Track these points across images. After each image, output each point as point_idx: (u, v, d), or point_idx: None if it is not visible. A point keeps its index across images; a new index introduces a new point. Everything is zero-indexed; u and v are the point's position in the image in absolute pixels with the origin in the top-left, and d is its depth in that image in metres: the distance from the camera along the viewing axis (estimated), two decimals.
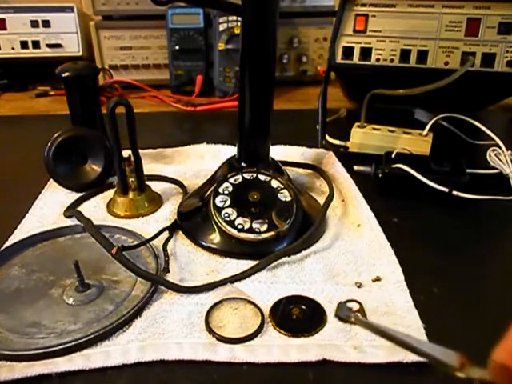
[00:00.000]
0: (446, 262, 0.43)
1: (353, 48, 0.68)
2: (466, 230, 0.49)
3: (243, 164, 0.49)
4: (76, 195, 0.54)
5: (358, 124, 0.67)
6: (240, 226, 0.44)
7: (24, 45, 0.99)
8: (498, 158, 0.58)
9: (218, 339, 0.34)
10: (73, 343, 0.33)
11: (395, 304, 0.37)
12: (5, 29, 0.97)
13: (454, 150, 0.68)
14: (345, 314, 0.30)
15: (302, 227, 0.45)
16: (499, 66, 0.63)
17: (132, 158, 0.50)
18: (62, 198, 0.54)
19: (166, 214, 0.51)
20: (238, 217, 0.45)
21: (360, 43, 0.67)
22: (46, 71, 0.77)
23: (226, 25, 0.89)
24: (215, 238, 0.44)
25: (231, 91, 0.92)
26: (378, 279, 0.40)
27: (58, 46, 0.99)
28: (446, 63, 0.64)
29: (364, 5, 0.66)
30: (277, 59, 0.45)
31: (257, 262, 0.42)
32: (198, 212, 0.48)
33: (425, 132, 0.64)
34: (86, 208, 0.52)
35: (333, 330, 0.35)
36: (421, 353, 0.23)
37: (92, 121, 0.57)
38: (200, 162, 0.64)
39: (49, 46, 0.99)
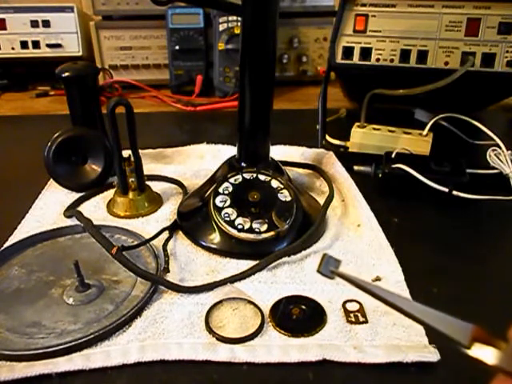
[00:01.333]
0: (446, 262, 0.43)
1: (353, 48, 0.67)
2: (466, 230, 0.49)
3: (243, 164, 0.49)
4: (76, 195, 0.54)
5: (358, 124, 0.67)
6: (240, 226, 0.44)
7: (24, 45, 0.99)
8: (498, 158, 0.58)
9: (218, 339, 0.34)
10: (73, 343, 0.33)
11: None
12: (5, 29, 0.97)
13: (454, 150, 0.68)
14: (327, 269, 0.25)
15: (302, 227, 0.45)
16: (499, 66, 0.63)
17: (132, 158, 0.50)
18: (62, 197, 0.54)
19: (166, 213, 0.51)
20: (237, 217, 0.45)
21: (360, 43, 0.67)
22: (46, 71, 0.78)
23: (225, 25, 0.89)
24: (215, 238, 0.44)
25: (231, 91, 0.92)
26: (377, 279, 0.40)
27: (58, 46, 0.99)
28: (446, 63, 0.64)
29: (364, 5, 0.66)
30: (277, 59, 0.45)
31: (257, 262, 0.42)
32: (198, 212, 0.48)
33: (425, 132, 0.64)
34: (86, 208, 0.52)
35: (333, 330, 0.35)
36: (418, 320, 0.21)
37: (92, 121, 0.57)
38: (200, 162, 0.64)
39: (49, 46, 0.99)
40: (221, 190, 0.47)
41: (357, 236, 0.47)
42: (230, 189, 0.47)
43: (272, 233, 0.44)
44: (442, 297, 0.39)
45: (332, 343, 0.33)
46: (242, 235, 0.44)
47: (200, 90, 0.93)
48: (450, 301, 0.38)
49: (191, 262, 0.43)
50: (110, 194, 0.54)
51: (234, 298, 0.38)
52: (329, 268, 0.25)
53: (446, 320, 0.20)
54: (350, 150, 0.66)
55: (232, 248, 0.44)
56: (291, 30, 0.97)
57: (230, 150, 0.60)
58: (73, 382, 0.31)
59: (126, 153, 0.49)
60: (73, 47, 0.99)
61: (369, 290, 0.23)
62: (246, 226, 0.44)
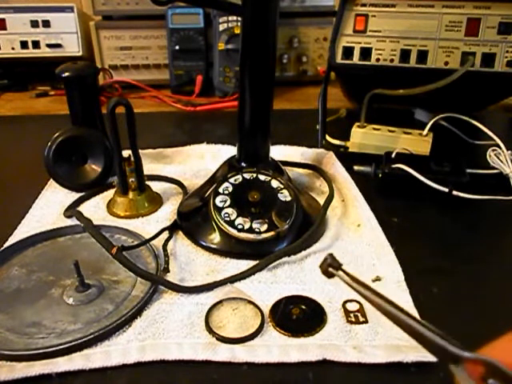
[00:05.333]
0: (446, 261, 0.43)
1: (353, 48, 0.67)
2: (466, 230, 0.49)
3: (243, 164, 0.49)
4: (76, 195, 0.54)
5: (358, 124, 0.67)
6: (240, 226, 0.44)
7: (24, 45, 0.99)
8: (498, 158, 0.58)
9: (218, 339, 0.34)
10: (73, 343, 0.33)
11: None
12: (5, 29, 0.97)
13: (454, 150, 0.68)
14: (329, 267, 0.25)
15: (302, 227, 0.45)
16: (499, 66, 0.63)
17: (132, 158, 0.50)
18: (62, 198, 0.54)
19: (166, 213, 0.51)
20: (237, 217, 0.45)
21: (360, 43, 0.67)
22: (46, 71, 0.78)
23: (226, 25, 0.89)
24: (215, 238, 0.44)
25: (231, 91, 0.92)
26: (377, 279, 0.40)
27: (58, 46, 0.99)
28: (446, 63, 0.64)
29: (364, 5, 0.66)
30: (277, 59, 0.45)
31: (257, 262, 0.42)
32: (198, 212, 0.48)
33: (425, 132, 0.64)
34: (85, 208, 0.52)
35: (333, 330, 0.35)
36: (415, 335, 0.21)
37: (92, 121, 0.57)
38: (200, 161, 0.64)
39: (49, 46, 0.99)
40: (221, 190, 0.47)
41: (357, 236, 0.47)
42: (230, 189, 0.47)
43: (272, 233, 0.44)
44: (442, 297, 0.39)
45: (332, 343, 0.33)
46: (242, 235, 0.43)
47: (200, 90, 0.93)
48: (450, 301, 0.38)
49: (191, 261, 0.43)
50: (110, 193, 0.54)
51: (234, 298, 0.38)
52: (331, 266, 0.25)
53: (438, 340, 0.20)
54: (350, 149, 0.66)
55: (232, 248, 0.44)
56: (291, 30, 0.97)
57: (230, 150, 0.60)
58: (73, 382, 0.31)
59: (126, 153, 0.49)
60: (73, 47, 0.99)
61: (367, 296, 0.24)
62: (246, 226, 0.44)
